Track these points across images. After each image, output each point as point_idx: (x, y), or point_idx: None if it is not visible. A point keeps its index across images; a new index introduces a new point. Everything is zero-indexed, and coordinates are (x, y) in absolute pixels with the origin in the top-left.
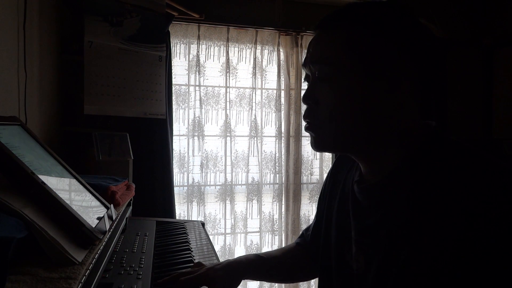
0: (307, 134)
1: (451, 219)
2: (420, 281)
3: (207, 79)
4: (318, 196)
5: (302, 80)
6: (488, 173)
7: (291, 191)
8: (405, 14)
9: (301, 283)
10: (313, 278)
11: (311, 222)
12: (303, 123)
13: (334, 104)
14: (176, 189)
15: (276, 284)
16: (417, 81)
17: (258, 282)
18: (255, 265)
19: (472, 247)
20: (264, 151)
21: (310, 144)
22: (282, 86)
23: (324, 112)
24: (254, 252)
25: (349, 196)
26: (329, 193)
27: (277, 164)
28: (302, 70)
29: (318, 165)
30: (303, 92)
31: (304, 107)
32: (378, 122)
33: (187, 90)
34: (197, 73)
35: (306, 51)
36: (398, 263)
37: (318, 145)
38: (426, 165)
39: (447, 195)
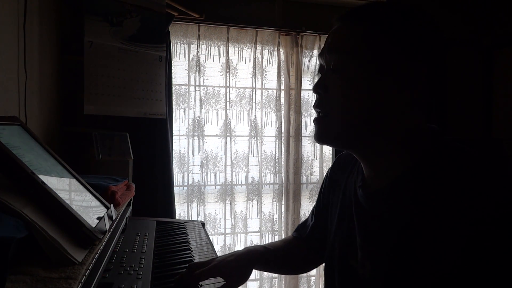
0: (307, 134)
1: (458, 224)
2: (429, 286)
3: (207, 79)
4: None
5: (316, 73)
6: (493, 179)
7: (291, 191)
8: (423, 19)
9: (301, 283)
10: (312, 269)
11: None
12: (304, 122)
13: (343, 95)
14: (176, 189)
15: (276, 284)
16: (426, 84)
17: (258, 282)
18: (264, 256)
19: (479, 251)
20: (264, 151)
21: (313, 136)
22: (282, 86)
23: (332, 102)
24: None
25: (352, 201)
26: (329, 195)
27: (277, 164)
28: (302, 69)
29: (318, 165)
30: (303, 92)
31: (303, 106)
32: (384, 119)
33: (187, 90)
34: (197, 73)
35: (306, 51)
36: (407, 269)
37: (319, 135)
38: (432, 172)
39: (454, 201)
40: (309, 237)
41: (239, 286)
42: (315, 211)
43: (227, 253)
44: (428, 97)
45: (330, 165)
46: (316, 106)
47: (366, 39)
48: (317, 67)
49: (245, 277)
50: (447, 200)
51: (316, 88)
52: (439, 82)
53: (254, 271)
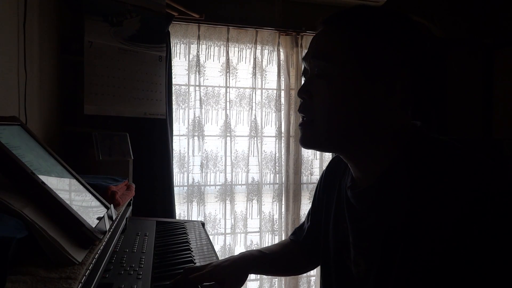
0: None
1: (443, 217)
2: (419, 281)
3: (207, 79)
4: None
5: (300, 74)
6: (475, 170)
7: (291, 191)
8: (404, 22)
9: (301, 283)
10: (309, 271)
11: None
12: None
13: (328, 101)
14: (176, 189)
15: (276, 284)
16: (410, 86)
17: (259, 282)
18: (259, 260)
19: (466, 243)
20: (264, 151)
21: (299, 140)
22: (282, 86)
23: (317, 107)
24: None
25: (344, 201)
26: (324, 197)
27: (277, 164)
28: (302, 69)
29: (318, 165)
30: None
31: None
32: (370, 123)
33: (187, 90)
34: (197, 73)
35: (306, 51)
36: (397, 265)
37: (305, 141)
38: (415, 166)
39: (438, 194)
40: (306, 240)
41: None
42: (310, 213)
43: (224, 257)
44: (413, 98)
45: None
46: (301, 111)
47: (351, 45)
48: (302, 69)
49: (240, 282)
50: (432, 194)
51: (301, 93)
52: (425, 82)
53: None
